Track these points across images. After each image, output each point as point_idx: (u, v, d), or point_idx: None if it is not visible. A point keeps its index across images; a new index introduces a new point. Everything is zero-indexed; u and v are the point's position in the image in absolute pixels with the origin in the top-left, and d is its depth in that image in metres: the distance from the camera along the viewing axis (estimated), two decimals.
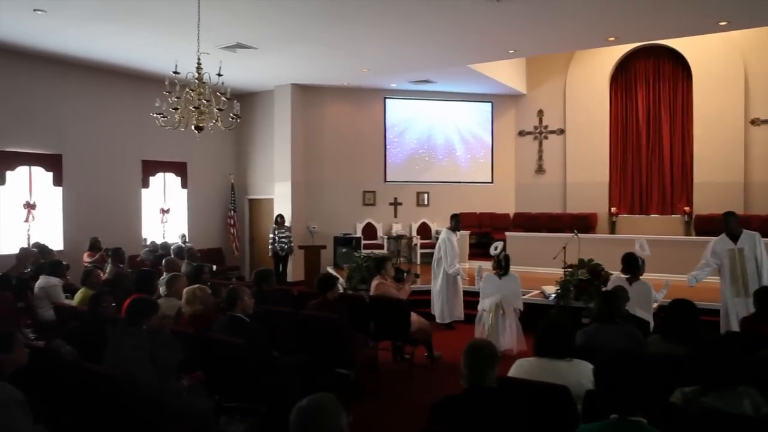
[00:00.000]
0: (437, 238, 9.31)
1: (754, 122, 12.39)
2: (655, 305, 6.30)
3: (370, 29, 9.06)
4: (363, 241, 13.40)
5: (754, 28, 11.19)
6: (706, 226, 12.11)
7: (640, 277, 6.34)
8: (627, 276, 6.30)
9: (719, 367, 3.08)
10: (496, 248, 7.85)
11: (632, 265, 6.31)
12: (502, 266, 7.43)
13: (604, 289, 7.43)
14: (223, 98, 7.21)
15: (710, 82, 12.66)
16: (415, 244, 13.96)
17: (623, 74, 13.85)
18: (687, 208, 12.97)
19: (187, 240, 12.26)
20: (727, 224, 7.07)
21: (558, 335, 3.57)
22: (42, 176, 10.63)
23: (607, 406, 2.46)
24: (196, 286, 5.32)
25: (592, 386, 3.36)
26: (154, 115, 7.19)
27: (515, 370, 3.64)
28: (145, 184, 12.42)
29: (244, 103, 13.69)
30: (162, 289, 5.96)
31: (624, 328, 4.43)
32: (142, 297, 4.69)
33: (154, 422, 3.77)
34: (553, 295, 8.18)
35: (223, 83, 7.21)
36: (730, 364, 3.07)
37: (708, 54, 12.59)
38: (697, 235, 11.98)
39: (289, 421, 2.05)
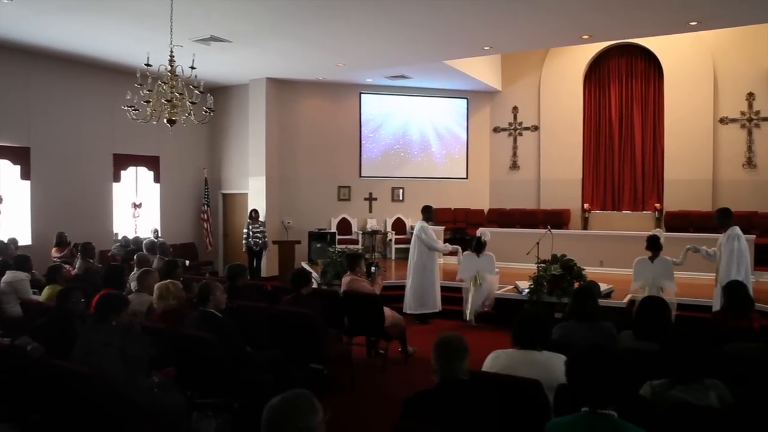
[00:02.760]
0: (412, 234, 9.33)
1: (722, 121, 12.63)
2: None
3: (345, 24, 9.02)
4: (338, 237, 13.38)
5: (724, 29, 11.41)
6: (676, 222, 12.34)
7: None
8: (650, 255, 7.48)
9: (686, 361, 3.14)
10: (482, 234, 9.02)
11: (654, 244, 7.48)
12: (480, 247, 8.75)
13: (577, 284, 7.58)
14: (196, 91, 7.13)
15: (681, 81, 12.87)
16: (390, 240, 13.98)
17: (597, 72, 14.01)
18: (658, 205, 13.19)
19: (159, 235, 12.10)
20: (716, 219, 7.29)
21: (534, 327, 3.61)
22: (9, 170, 10.39)
23: (578, 399, 2.49)
24: (168, 281, 5.25)
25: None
26: (126, 108, 7.08)
27: (492, 361, 3.67)
28: (117, 178, 12.22)
29: (219, 97, 13.57)
30: (133, 285, 5.88)
31: (599, 324, 4.49)
32: (112, 292, 4.62)
33: (124, 419, 3.72)
34: (527, 290, 8.25)
35: (196, 76, 7.14)
36: (696, 358, 3.13)
37: (679, 53, 12.80)
38: (667, 231, 12.17)
39: (261, 420, 2.01)
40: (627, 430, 2.37)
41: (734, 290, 5.03)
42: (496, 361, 3.64)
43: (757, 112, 12.30)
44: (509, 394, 3.14)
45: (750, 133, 12.40)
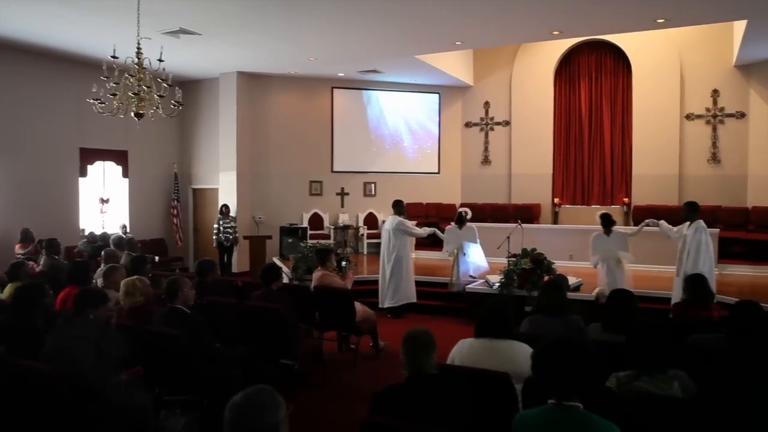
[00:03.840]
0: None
1: (688, 117, 12.86)
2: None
3: (315, 17, 8.96)
4: (309, 231, 13.33)
5: (690, 27, 11.60)
6: (644, 216, 12.46)
7: None
8: (605, 230, 8.13)
9: (651, 353, 3.20)
10: (464, 212, 9.76)
11: (607, 221, 8.18)
12: (461, 220, 9.54)
13: (546, 278, 7.66)
14: (164, 85, 7.03)
15: (649, 77, 13.07)
16: (362, 234, 13.96)
17: (567, 68, 14.15)
18: (626, 199, 13.39)
19: (128, 231, 11.91)
20: (683, 211, 7.46)
21: (498, 316, 3.65)
22: None
23: (545, 391, 2.52)
24: (135, 277, 5.17)
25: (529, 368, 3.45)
26: (92, 101, 6.94)
27: (457, 350, 3.70)
28: (83, 173, 11.98)
29: (189, 91, 13.41)
30: (99, 281, 5.78)
31: (567, 317, 4.55)
32: (91, 287, 4.53)
33: (92, 418, 3.65)
34: (497, 284, 8.32)
35: (164, 69, 7.02)
36: (660, 350, 3.19)
37: (647, 51, 12.99)
38: (635, 225, 12.37)
39: (224, 417, 1.99)
40: (592, 422, 2.41)
41: (696, 282, 5.15)
42: (461, 348, 3.68)
43: (722, 109, 12.55)
44: (478, 387, 3.16)
45: (715, 129, 12.65)
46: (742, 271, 10.44)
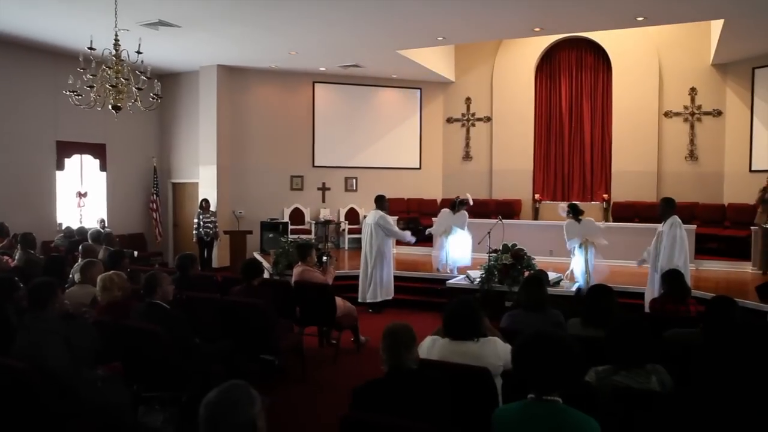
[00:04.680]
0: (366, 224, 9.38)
1: (667, 114, 13.01)
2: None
3: (297, 11, 8.90)
4: (290, 227, 13.28)
5: (669, 25, 11.73)
6: (623, 212, 12.69)
7: None
8: (574, 219, 8.61)
9: (629, 348, 3.23)
10: (460, 198, 10.15)
11: (575, 210, 8.70)
12: (455, 205, 9.97)
13: (526, 273, 7.71)
14: (142, 77, 6.94)
15: (628, 75, 13.18)
16: (343, 230, 13.94)
17: (548, 65, 14.22)
18: (606, 196, 13.50)
19: (106, 225, 11.75)
20: (659, 207, 7.51)
21: (465, 318, 3.64)
22: None
23: (525, 386, 2.53)
24: (112, 272, 5.10)
25: (501, 363, 3.47)
26: (68, 93, 6.83)
27: (426, 348, 3.70)
28: (60, 167, 11.80)
29: (168, 84, 13.26)
30: (76, 276, 5.70)
31: (547, 312, 4.58)
32: (42, 279, 4.43)
33: (66, 414, 3.60)
34: (478, 279, 8.35)
35: (143, 61, 6.93)
36: (638, 345, 3.23)
37: (627, 48, 13.10)
38: (614, 221, 12.52)
39: (199, 415, 1.97)
40: (571, 416, 2.42)
41: (673, 278, 5.22)
42: (429, 347, 3.68)
43: (699, 107, 12.71)
44: (458, 382, 3.17)
45: (692, 127, 12.81)
46: (718, 267, 10.60)
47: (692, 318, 4.84)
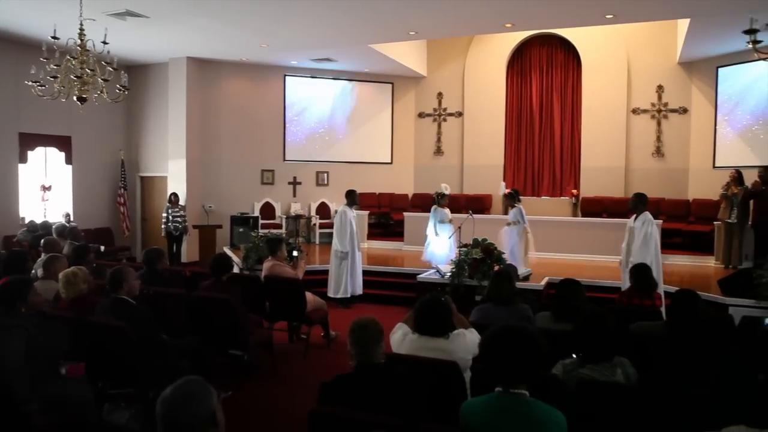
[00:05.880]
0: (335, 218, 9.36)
1: (635, 111, 13.21)
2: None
3: (269, 3, 8.80)
4: (261, 221, 13.18)
5: (637, 23, 11.91)
6: (592, 207, 12.87)
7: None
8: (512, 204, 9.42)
9: (595, 344, 3.27)
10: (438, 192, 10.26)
11: (513, 198, 9.54)
12: (438, 202, 10.07)
13: (497, 268, 7.77)
14: (108, 68, 6.79)
15: (597, 72, 13.34)
16: (314, 224, 13.88)
17: (519, 61, 14.31)
18: (575, 191, 13.65)
19: (71, 219, 11.51)
20: (631, 202, 7.62)
21: (435, 314, 3.66)
22: None
23: (492, 379, 2.55)
24: (74, 267, 4.98)
25: (470, 357, 3.50)
26: (30, 83, 6.66)
27: (397, 342, 3.71)
28: (23, 159, 11.50)
29: (137, 76, 13.03)
30: (39, 271, 5.57)
31: (516, 306, 4.62)
32: (15, 276, 4.34)
33: (24, 414, 3.51)
34: (449, 274, 8.39)
35: (108, 52, 6.79)
36: (605, 341, 3.27)
37: (596, 46, 13.25)
38: (583, 216, 12.70)
39: (155, 413, 1.93)
40: (538, 408, 2.45)
41: (640, 272, 5.31)
42: (399, 342, 3.69)
43: (666, 104, 12.94)
44: (427, 375, 3.18)
45: (659, 124, 13.03)
46: (683, 261, 10.82)
47: (658, 311, 4.94)
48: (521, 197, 9.96)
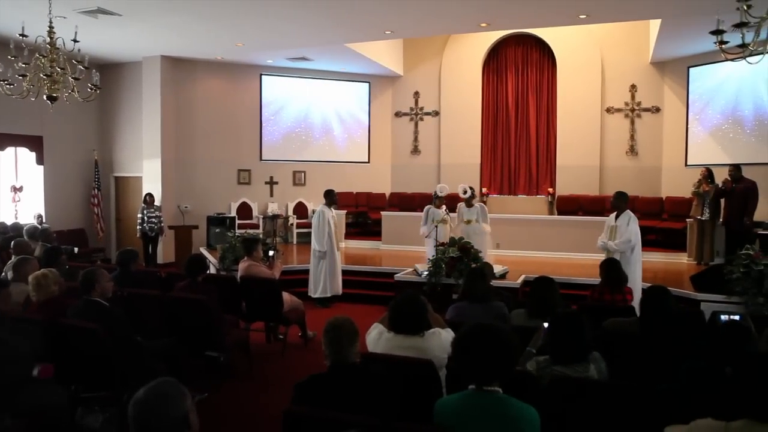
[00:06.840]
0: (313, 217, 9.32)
1: (609, 110, 13.38)
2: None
3: (242, 1, 8.74)
4: (238, 221, 13.09)
5: (611, 24, 12.06)
6: (567, 205, 13.00)
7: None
8: (468, 202, 9.45)
9: (568, 346, 3.31)
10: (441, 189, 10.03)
11: (471, 194, 9.53)
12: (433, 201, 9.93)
13: (473, 265, 7.80)
14: (80, 67, 6.69)
15: (572, 71, 13.48)
16: (292, 224, 13.82)
17: (495, 60, 14.40)
18: (551, 189, 13.80)
19: (43, 221, 11.32)
20: (613, 201, 7.68)
21: (410, 312, 3.67)
22: None
23: (465, 377, 2.56)
24: (45, 269, 4.91)
25: (446, 355, 3.51)
26: None
27: (372, 341, 3.71)
28: None
29: (110, 74, 12.86)
30: (9, 274, 5.47)
31: (491, 304, 4.65)
32: None
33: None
34: (426, 273, 8.42)
35: (79, 50, 6.68)
36: (576, 342, 3.31)
37: (571, 45, 13.39)
38: (558, 215, 12.82)
39: (128, 416, 1.91)
40: (511, 405, 2.47)
41: (610, 266, 5.38)
42: (375, 341, 3.70)
43: (639, 103, 13.12)
44: (401, 374, 3.18)
45: (633, 123, 13.22)
46: (657, 258, 10.95)
47: (630, 307, 5.00)
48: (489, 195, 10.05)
